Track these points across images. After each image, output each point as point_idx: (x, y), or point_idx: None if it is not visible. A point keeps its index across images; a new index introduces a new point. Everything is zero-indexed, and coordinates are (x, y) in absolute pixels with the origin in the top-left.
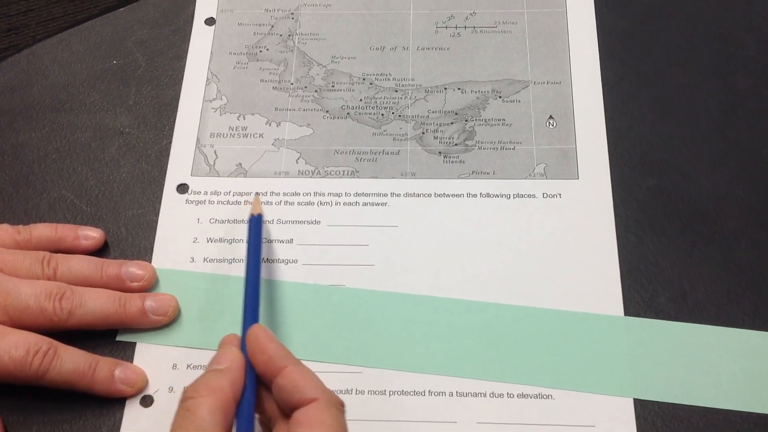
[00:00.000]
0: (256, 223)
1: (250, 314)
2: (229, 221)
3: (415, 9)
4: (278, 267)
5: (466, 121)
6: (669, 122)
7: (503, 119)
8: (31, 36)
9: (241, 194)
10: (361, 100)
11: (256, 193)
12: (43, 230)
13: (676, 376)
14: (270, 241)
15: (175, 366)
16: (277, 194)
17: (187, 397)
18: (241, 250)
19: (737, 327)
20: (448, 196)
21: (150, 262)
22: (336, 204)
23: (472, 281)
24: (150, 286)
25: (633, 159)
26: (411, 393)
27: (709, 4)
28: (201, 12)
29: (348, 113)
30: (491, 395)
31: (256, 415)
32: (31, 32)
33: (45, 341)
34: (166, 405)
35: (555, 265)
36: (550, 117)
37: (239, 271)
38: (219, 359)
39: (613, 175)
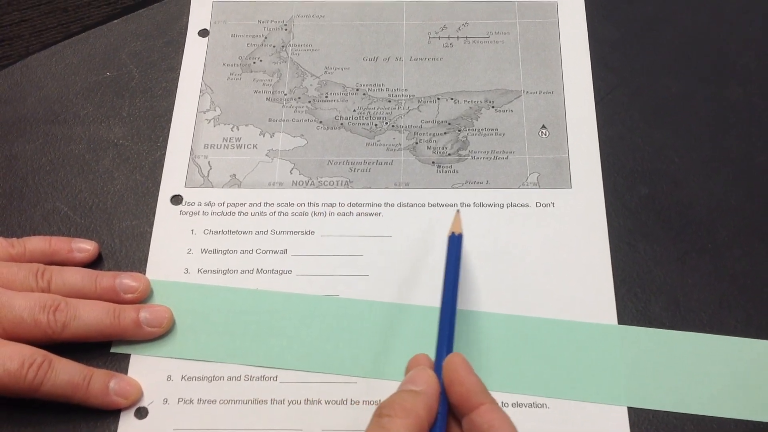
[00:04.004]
0: (455, 243)
1: (446, 340)
2: (223, 232)
3: (407, 20)
4: (272, 277)
5: (459, 131)
6: (661, 131)
7: (496, 129)
8: (25, 47)
9: (235, 205)
10: (354, 110)
11: (458, 210)
12: (36, 243)
13: (669, 384)
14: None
15: (169, 377)
16: (271, 205)
17: (383, 414)
18: (235, 261)
19: (730, 335)
20: (441, 205)
21: (144, 274)
22: (330, 214)
23: (465, 290)
24: (144, 297)
25: (625, 168)
26: None
27: (702, 14)
28: (194, 24)
29: (341, 124)
30: None
31: None
32: (24, 43)
33: (39, 353)
34: (160, 417)
35: (548, 274)
36: (543, 126)
37: (233, 282)
38: (414, 379)
39: (605, 184)
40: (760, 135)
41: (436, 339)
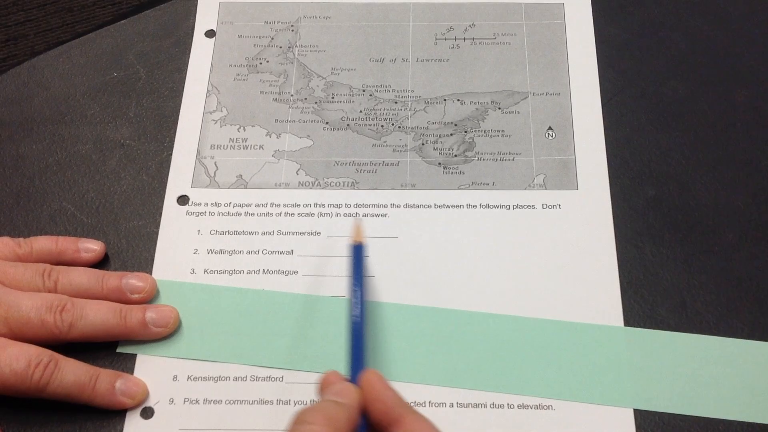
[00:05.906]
0: (357, 254)
1: (358, 357)
2: (229, 233)
3: (414, 21)
4: (278, 278)
5: (466, 132)
6: (668, 133)
7: (502, 130)
8: (30, 46)
9: (241, 206)
10: (360, 111)
11: (358, 219)
12: (43, 243)
13: (676, 386)
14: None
15: (175, 377)
16: (278, 205)
17: (304, 420)
18: (241, 261)
19: (737, 337)
20: (447, 207)
21: (150, 274)
22: (336, 215)
23: (471, 292)
24: (150, 297)
25: (632, 170)
26: (411, 404)
27: (708, 17)
28: (201, 24)
29: (348, 125)
30: (491, 406)
31: None
32: (29, 42)
33: (46, 353)
34: (166, 417)
35: (555, 276)
36: (549, 128)
37: (239, 282)
38: (339, 392)
39: (612, 185)
40: (766, 137)
41: (349, 356)
